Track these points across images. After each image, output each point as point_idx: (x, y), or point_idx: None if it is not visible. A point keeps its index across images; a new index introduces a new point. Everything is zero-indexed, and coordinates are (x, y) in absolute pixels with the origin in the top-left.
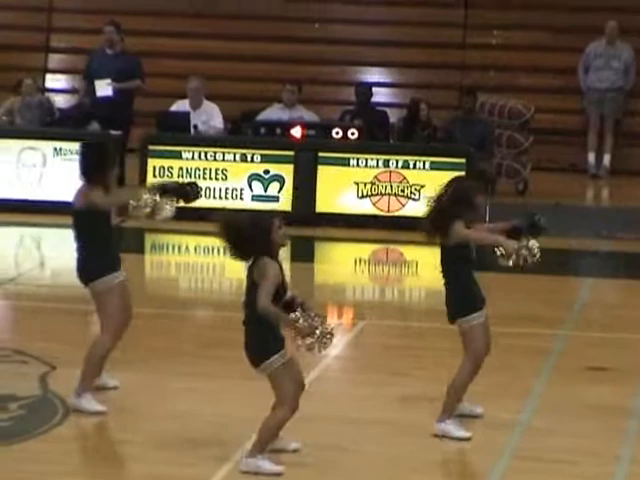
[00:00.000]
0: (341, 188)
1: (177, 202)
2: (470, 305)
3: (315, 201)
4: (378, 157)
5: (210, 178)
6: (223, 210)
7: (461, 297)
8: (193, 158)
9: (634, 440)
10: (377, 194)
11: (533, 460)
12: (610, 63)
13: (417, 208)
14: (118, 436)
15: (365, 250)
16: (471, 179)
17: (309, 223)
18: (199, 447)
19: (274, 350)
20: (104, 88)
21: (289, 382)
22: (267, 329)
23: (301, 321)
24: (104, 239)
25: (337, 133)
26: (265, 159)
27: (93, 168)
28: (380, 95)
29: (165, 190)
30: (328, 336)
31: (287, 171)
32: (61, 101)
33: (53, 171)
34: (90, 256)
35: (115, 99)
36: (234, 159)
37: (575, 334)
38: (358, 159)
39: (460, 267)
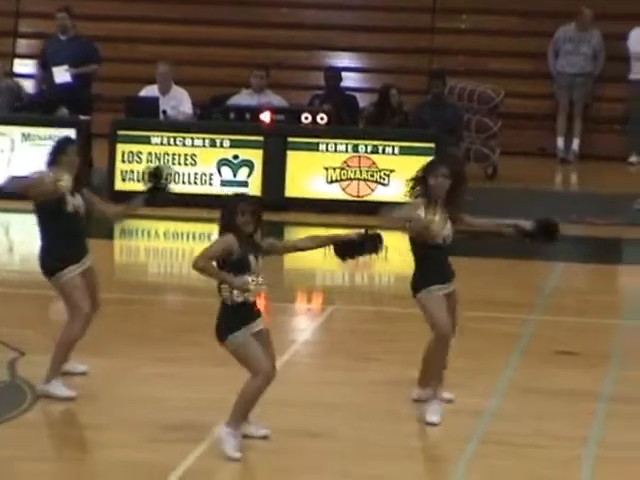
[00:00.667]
0: (310, 173)
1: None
2: (426, 281)
3: (284, 186)
4: (347, 142)
5: (179, 163)
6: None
7: (419, 273)
8: (162, 143)
9: (602, 424)
10: (346, 179)
11: (501, 444)
12: (579, 48)
13: (386, 193)
14: (88, 421)
15: None
16: (445, 161)
17: (278, 208)
18: (170, 432)
19: (236, 327)
20: (62, 74)
21: (257, 356)
22: (230, 307)
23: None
24: (61, 231)
25: (306, 118)
26: (234, 144)
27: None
28: (349, 80)
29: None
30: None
31: (256, 156)
32: (29, 86)
33: (21, 156)
34: (47, 250)
35: (74, 84)
36: (203, 144)
37: (544, 318)
38: (327, 144)
39: (423, 250)
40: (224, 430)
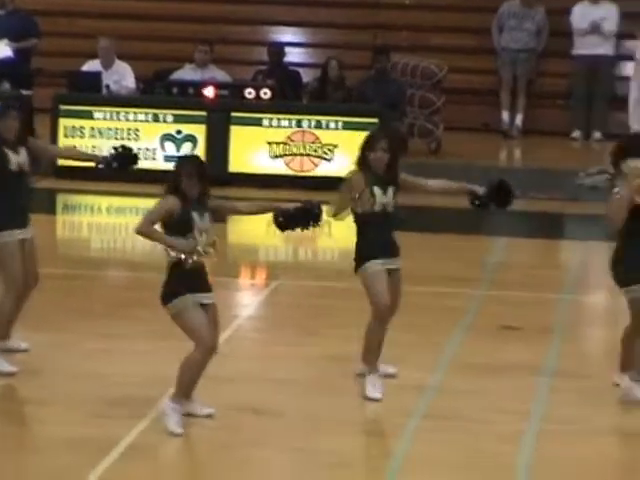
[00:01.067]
0: (254, 148)
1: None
2: (367, 253)
3: (228, 161)
4: (291, 117)
5: (122, 138)
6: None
7: (360, 244)
8: (105, 118)
9: (545, 398)
10: (290, 154)
11: (445, 419)
12: (523, 24)
13: (330, 168)
14: (30, 397)
15: None
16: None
17: (222, 183)
18: (113, 407)
19: (181, 292)
20: (3, 49)
21: (197, 323)
22: (176, 273)
23: (180, 240)
24: (5, 191)
25: (250, 93)
26: (177, 119)
27: None
28: (293, 55)
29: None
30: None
31: (199, 131)
32: None
33: None
34: None
35: (15, 59)
36: (146, 119)
37: (488, 293)
38: (271, 119)
39: (363, 218)
40: (168, 405)
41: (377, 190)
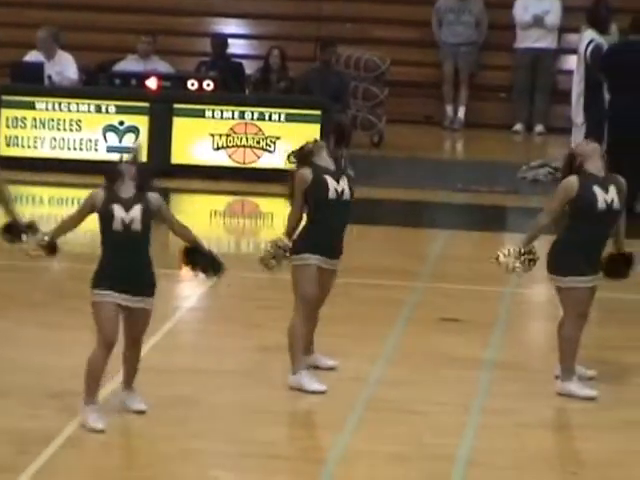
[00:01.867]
0: (196, 140)
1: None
2: (308, 246)
3: (170, 152)
4: (234, 109)
5: (64, 129)
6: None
7: (304, 234)
8: (47, 109)
9: (485, 391)
10: (233, 146)
11: (386, 411)
12: (461, 17)
13: (272, 160)
14: None
15: (221, 202)
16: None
17: (164, 174)
18: (50, 399)
19: (97, 284)
20: None
21: (104, 321)
22: (102, 262)
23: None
24: None
25: (192, 84)
26: (120, 110)
27: None
28: (236, 47)
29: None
30: None
31: (142, 122)
32: None
33: None
34: None
35: None
36: (89, 110)
37: (429, 286)
38: (213, 111)
39: (312, 209)
40: (82, 408)
41: (328, 178)
